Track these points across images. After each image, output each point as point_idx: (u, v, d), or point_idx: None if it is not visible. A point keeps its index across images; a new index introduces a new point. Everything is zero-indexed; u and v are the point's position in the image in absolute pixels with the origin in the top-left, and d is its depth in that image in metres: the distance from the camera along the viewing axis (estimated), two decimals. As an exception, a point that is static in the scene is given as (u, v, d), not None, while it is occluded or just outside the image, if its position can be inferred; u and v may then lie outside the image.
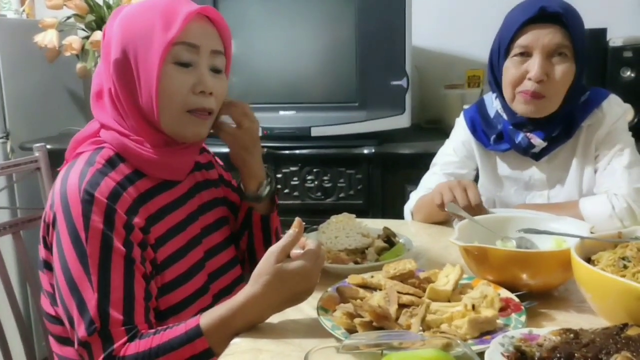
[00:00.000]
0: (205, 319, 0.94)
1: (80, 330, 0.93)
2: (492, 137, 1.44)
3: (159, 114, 1.02)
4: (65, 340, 1.06)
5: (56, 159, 1.44)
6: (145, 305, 0.98)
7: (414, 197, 1.51)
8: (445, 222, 1.43)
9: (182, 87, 1.03)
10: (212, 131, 1.13)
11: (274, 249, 0.94)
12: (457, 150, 1.51)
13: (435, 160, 1.55)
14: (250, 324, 0.94)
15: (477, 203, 1.25)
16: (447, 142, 1.56)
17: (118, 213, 0.97)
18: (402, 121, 2.00)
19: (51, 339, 1.10)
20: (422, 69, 2.35)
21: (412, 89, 2.01)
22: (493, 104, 1.47)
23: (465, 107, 1.60)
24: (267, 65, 2.07)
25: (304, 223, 0.98)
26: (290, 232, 0.95)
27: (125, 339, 0.93)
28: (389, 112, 1.99)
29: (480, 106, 1.50)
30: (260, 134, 2.05)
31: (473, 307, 0.88)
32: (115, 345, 0.93)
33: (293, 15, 2.08)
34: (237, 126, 1.17)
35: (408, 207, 1.52)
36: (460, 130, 1.52)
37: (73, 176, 0.98)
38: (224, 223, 1.23)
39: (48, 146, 1.45)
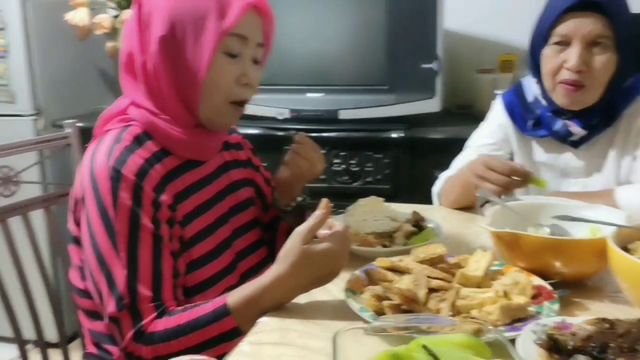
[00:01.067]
0: (233, 298, 0.94)
1: (110, 306, 0.94)
2: (530, 122, 1.42)
3: (198, 101, 1.02)
4: (94, 314, 1.07)
5: (87, 137, 1.45)
6: (173, 282, 0.99)
7: (443, 177, 1.49)
8: (471, 208, 1.42)
9: (229, 77, 1.03)
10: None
11: (301, 229, 0.93)
12: (493, 132, 1.49)
13: (469, 142, 1.53)
14: (277, 304, 0.94)
15: (518, 169, 1.21)
16: (483, 124, 1.53)
17: (145, 190, 0.97)
18: (432, 105, 1.97)
19: (80, 313, 1.11)
20: (454, 53, 2.30)
21: (443, 73, 1.98)
22: (532, 89, 1.43)
23: (497, 92, 1.57)
24: (295, 46, 2.06)
25: (332, 205, 0.97)
26: (318, 212, 0.95)
27: (153, 315, 0.94)
28: (418, 96, 1.96)
29: (518, 90, 1.47)
30: (287, 116, 2.06)
31: (504, 293, 0.87)
32: (144, 322, 0.93)
33: (323, -3, 2.06)
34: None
35: (435, 189, 1.51)
36: (497, 113, 1.49)
37: (101, 154, 0.98)
38: (251, 204, 1.23)
39: (79, 124, 1.47)
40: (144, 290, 0.94)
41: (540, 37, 1.34)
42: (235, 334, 0.93)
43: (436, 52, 1.93)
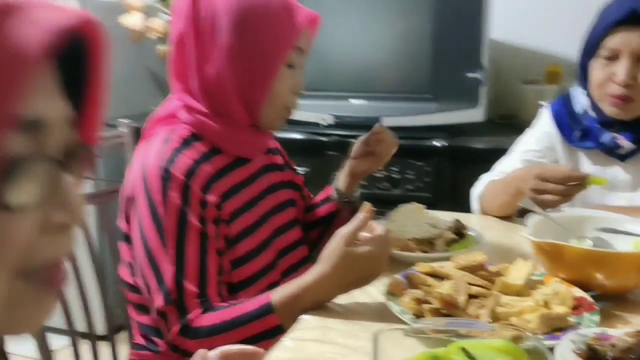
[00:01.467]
0: (276, 296, 0.97)
1: (158, 301, 0.98)
2: (577, 133, 1.41)
3: (259, 107, 1.08)
4: (143, 308, 1.11)
5: (139, 136, 1.51)
6: (217, 279, 1.03)
7: (485, 179, 1.48)
8: (510, 217, 1.42)
9: (288, 87, 1.09)
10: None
11: (344, 231, 0.97)
12: (538, 140, 1.48)
13: (513, 147, 1.53)
14: (318, 303, 0.97)
15: (573, 174, 1.20)
16: (529, 130, 1.53)
17: (193, 189, 1.01)
18: (475, 115, 1.97)
19: (130, 307, 1.16)
20: (499, 63, 2.30)
21: (488, 83, 1.98)
22: (580, 100, 1.43)
23: (542, 103, 1.57)
24: (340, 53, 2.09)
25: (373, 209, 1.00)
26: (360, 216, 0.97)
27: (199, 310, 0.98)
28: (462, 105, 1.96)
29: (567, 100, 1.46)
30: (331, 122, 2.09)
31: (544, 302, 0.88)
32: (190, 316, 0.97)
33: (368, 4, 2.08)
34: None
35: (476, 192, 1.49)
36: (544, 122, 1.49)
37: (151, 154, 1.03)
38: (290, 204, 1.27)
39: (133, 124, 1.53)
40: (190, 286, 0.98)
41: (590, 50, 1.34)
42: (277, 332, 0.95)
43: (481, 62, 1.93)
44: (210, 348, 0.93)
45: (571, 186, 1.18)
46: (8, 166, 0.35)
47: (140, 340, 1.15)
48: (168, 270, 0.98)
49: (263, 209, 1.17)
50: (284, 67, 1.07)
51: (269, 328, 0.96)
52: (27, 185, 0.36)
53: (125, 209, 1.07)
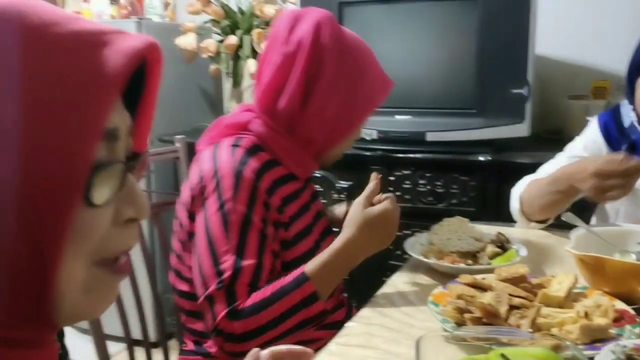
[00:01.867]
0: (309, 266, 1.05)
1: (212, 285, 1.03)
2: (624, 147, 1.41)
3: (332, 147, 1.21)
4: (195, 314, 1.18)
5: (192, 151, 1.59)
6: (269, 277, 1.08)
7: (527, 180, 1.47)
8: (546, 220, 1.42)
9: (355, 138, 1.25)
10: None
11: (359, 199, 1.09)
12: (587, 147, 1.48)
13: (561, 153, 1.53)
14: (347, 267, 1.07)
15: (632, 165, 1.18)
16: (577, 138, 1.53)
17: (260, 191, 1.08)
18: (521, 130, 1.97)
19: (182, 315, 1.23)
20: (545, 78, 2.30)
21: (533, 98, 1.98)
22: (629, 114, 1.43)
23: (589, 118, 1.57)
24: (385, 69, 2.11)
25: (380, 176, 1.15)
26: (371, 185, 1.11)
27: (247, 299, 1.03)
28: (507, 120, 1.97)
29: (616, 113, 1.46)
30: (375, 137, 2.13)
31: (586, 314, 0.89)
32: (238, 303, 1.02)
33: (414, 22, 2.12)
34: None
35: (517, 190, 1.47)
36: (593, 132, 1.49)
37: (223, 154, 1.10)
38: (324, 214, 1.32)
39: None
40: (245, 277, 1.03)
41: (636, 66, 1.34)
42: (314, 299, 1.02)
43: (527, 78, 1.94)
44: (255, 326, 1.01)
45: (632, 176, 1.18)
46: (93, 170, 0.41)
47: (191, 346, 1.21)
48: (228, 259, 1.03)
49: (310, 216, 1.23)
50: None
51: (305, 296, 1.02)
52: (106, 185, 0.43)
53: (190, 206, 1.12)
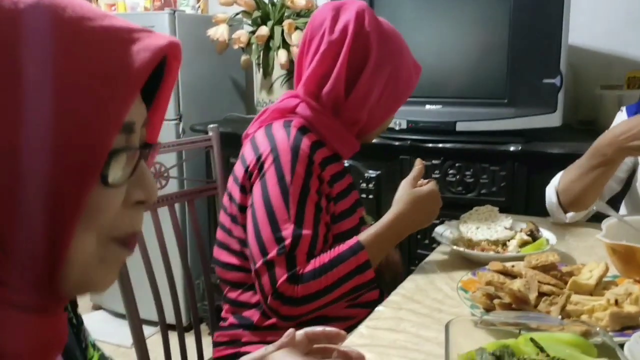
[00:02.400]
0: (363, 236, 1.15)
1: (272, 251, 1.09)
2: None
3: (371, 132, 1.28)
4: (238, 285, 1.24)
5: (224, 140, 1.62)
6: (322, 247, 1.15)
7: (561, 173, 1.47)
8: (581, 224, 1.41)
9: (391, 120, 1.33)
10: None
11: (407, 179, 1.21)
12: None
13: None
14: (396, 239, 1.18)
15: None
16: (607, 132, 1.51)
17: (315, 165, 1.16)
18: (552, 120, 1.95)
19: (224, 286, 1.28)
20: (577, 68, 2.27)
21: (566, 88, 1.96)
22: None
23: (623, 108, 1.55)
24: (416, 59, 2.11)
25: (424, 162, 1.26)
26: (416, 168, 1.23)
27: (306, 264, 1.10)
28: (539, 110, 1.95)
29: None
30: (404, 127, 2.13)
31: (616, 302, 0.89)
32: (298, 268, 1.09)
33: (446, 12, 2.11)
34: None
35: (552, 185, 1.47)
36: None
37: (279, 133, 1.17)
38: (361, 204, 1.34)
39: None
40: (304, 245, 1.10)
41: None
42: (366, 267, 1.12)
43: (559, 68, 1.92)
44: (314, 290, 1.08)
45: None
46: (110, 155, 0.45)
47: (231, 320, 1.26)
48: (288, 227, 1.10)
49: (354, 197, 1.29)
50: None
51: (360, 263, 1.11)
52: (120, 169, 0.47)
53: (243, 181, 1.19)
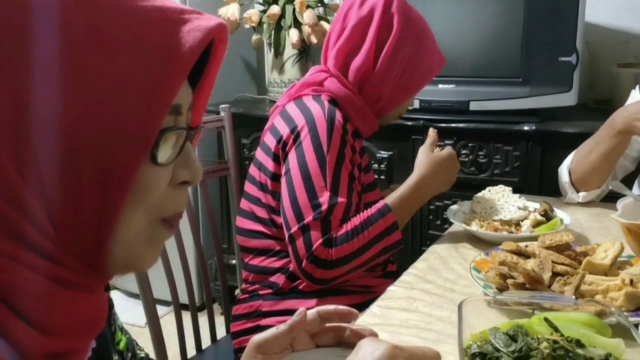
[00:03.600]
0: (389, 199, 1.22)
1: (308, 216, 1.14)
2: None
3: (391, 109, 1.30)
4: (264, 252, 1.27)
5: (235, 120, 1.61)
6: (355, 214, 1.20)
7: (573, 153, 1.46)
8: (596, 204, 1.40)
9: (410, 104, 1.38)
10: None
11: (425, 146, 1.28)
12: None
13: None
14: (420, 200, 1.25)
15: None
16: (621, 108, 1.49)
17: (348, 136, 1.22)
18: (567, 99, 1.92)
19: (248, 256, 1.31)
20: (594, 46, 2.23)
21: (582, 66, 1.93)
22: None
23: (637, 87, 1.52)
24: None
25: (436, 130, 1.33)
26: (431, 136, 1.30)
27: (339, 228, 1.16)
28: (554, 89, 1.93)
29: None
30: (416, 106, 2.12)
31: (631, 282, 0.88)
32: (332, 232, 1.15)
33: (459, -11, 2.08)
34: None
35: (565, 164, 1.47)
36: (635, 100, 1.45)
37: (313, 105, 1.22)
38: (375, 186, 1.38)
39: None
40: (339, 212, 1.15)
41: None
42: (394, 228, 1.19)
43: (575, 46, 1.89)
44: (347, 252, 1.14)
45: None
46: (159, 135, 0.46)
47: (251, 289, 1.29)
48: (324, 193, 1.15)
49: (371, 176, 1.35)
50: None
51: (388, 225, 1.18)
52: (169, 148, 0.48)
53: (276, 150, 1.22)
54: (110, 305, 0.70)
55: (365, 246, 1.16)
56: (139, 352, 0.79)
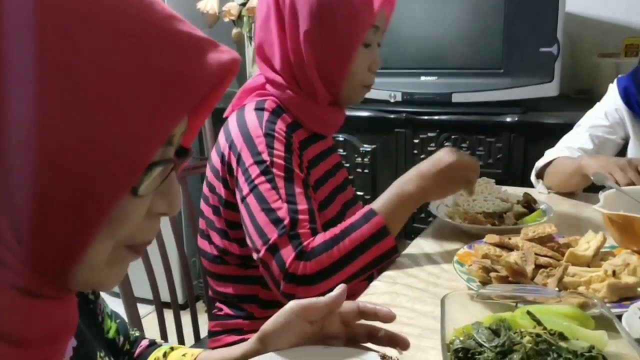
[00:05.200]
0: (376, 203, 1.07)
1: (272, 235, 1.02)
2: None
3: (339, 86, 1.13)
4: (224, 278, 1.20)
5: (214, 116, 1.59)
6: (318, 223, 1.08)
7: (549, 155, 1.47)
8: (573, 194, 1.41)
9: (364, 66, 1.14)
10: None
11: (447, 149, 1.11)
12: (609, 114, 1.46)
13: (581, 121, 1.51)
14: (418, 198, 1.07)
15: None
16: (598, 105, 1.50)
17: (294, 145, 1.10)
18: (549, 89, 1.93)
19: (210, 279, 1.24)
20: (575, 36, 2.23)
21: (563, 57, 1.93)
22: None
23: (615, 80, 1.53)
24: (410, 30, 2.08)
25: None
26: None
27: (311, 238, 1.03)
28: (535, 80, 1.93)
29: (636, 76, 1.43)
30: (399, 99, 2.10)
31: (614, 273, 0.88)
32: (305, 243, 1.01)
33: (440, -19, 2.07)
34: None
35: (536, 166, 1.48)
36: (613, 97, 1.46)
37: (250, 118, 1.10)
38: (349, 183, 1.31)
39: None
40: (304, 220, 1.03)
41: None
42: (384, 233, 1.03)
43: (556, 36, 1.89)
44: (328, 264, 1.00)
45: None
46: (147, 167, 0.43)
47: (227, 310, 1.22)
48: (281, 206, 1.03)
49: (335, 183, 1.23)
50: (361, 47, 1.12)
51: (376, 230, 1.02)
52: (152, 181, 0.45)
53: (223, 172, 1.12)
54: (96, 296, 0.69)
55: (349, 255, 1.01)
56: (132, 332, 0.79)
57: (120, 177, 0.41)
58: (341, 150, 2.14)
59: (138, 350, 0.80)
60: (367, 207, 1.06)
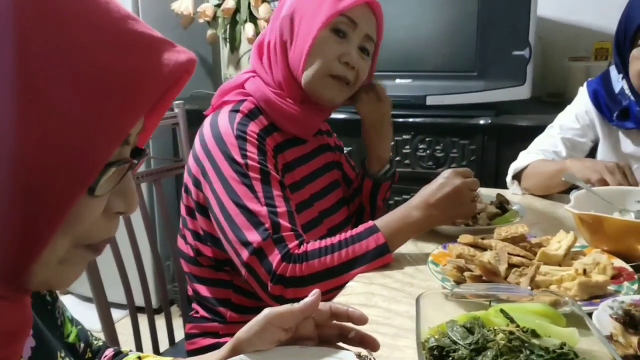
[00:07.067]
0: (380, 221, 1.08)
1: (255, 239, 1.01)
2: (616, 113, 1.40)
3: (303, 70, 1.12)
4: (202, 280, 1.19)
5: (190, 117, 1.58)
6: (298, 225, 1.07)
7: (524, 158, 1.49)
8: (550, 195, 1.43)
9: (331, 53, 1.12)
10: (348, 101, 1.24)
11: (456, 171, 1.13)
12: (579, 117, 1.48)
13: (553, 123, 1.53)
14: (420, 225, 1.08)
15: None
16: (569, 107, 1.53)
17: (267, 147, 1.09)
18: (521, 92, 1.96)
19: (187, 279, 1.24)
20: (546, 40, 2.27)
21: (535, 60, 1.96)
22: (619, 80, 1.42)
23: (585, 84, 1.56)
24: (385, 33, 2.08)
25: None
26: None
27: (296, 242, 1.03)
28: (508, 83, 1.96)
29: (605, 79, 1.45)
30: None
31: (584, 271, 0.89)
32: (289, 246, 1.02)
33: (414, -16, 2.09)
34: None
35: (513, 168, 1.50)
36: (583, 100, 1.49)
37: (223, 120, 1.10)
38: (338, 186, 1.31)
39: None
40: (284, 222, 1.03)
41: (626, 38, 1.32)
42: (384, 250, 1.04)
43: (528, 40, 1.92)
44: (320, 269, 1.01)
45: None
46: (104, 167, 0.43)
47: (202, 312, 1.21)
48: (260, 209, 1.03)
49: (315, 188, 1.23)
50: (328, 32, 1.11)
51: (376, 246, 1.04)
52: (109, 180, 0.45)
53: (197, 175, 1.11)
54: (54, 299, 0.68)
55: (346, 265, 1.02)
56: (95, 341, 0.77)
57: (77, 177, 0.41)
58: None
59: None
60: (370, 223, 1.08)
